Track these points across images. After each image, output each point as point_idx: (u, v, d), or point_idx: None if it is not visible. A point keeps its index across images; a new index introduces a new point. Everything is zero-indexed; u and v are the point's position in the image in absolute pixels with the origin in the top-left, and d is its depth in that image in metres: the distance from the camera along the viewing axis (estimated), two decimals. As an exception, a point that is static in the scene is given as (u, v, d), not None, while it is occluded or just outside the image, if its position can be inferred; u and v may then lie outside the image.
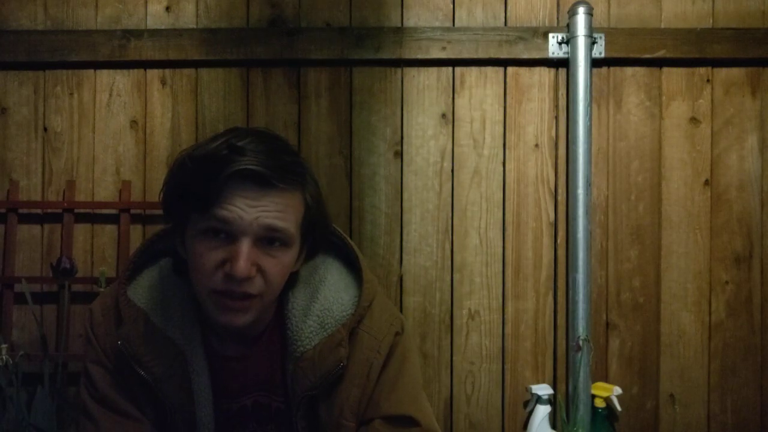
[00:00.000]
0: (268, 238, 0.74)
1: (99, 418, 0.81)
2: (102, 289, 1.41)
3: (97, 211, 1.54)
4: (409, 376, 0.84)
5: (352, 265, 0.86)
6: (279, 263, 0.75)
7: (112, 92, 1.55)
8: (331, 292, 0.82)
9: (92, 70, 1.55)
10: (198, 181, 0.73)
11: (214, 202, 0.71)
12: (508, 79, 1.55)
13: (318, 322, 0.80)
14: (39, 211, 1.54)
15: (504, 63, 1.54)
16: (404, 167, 1.54)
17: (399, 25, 1.55)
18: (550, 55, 1.51)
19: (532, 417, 1.47)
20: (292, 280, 0.83)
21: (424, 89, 1.55)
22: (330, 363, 0.78)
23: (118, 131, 1.55)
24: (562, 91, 1.54)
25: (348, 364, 0.80)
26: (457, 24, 1.55)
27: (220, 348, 0.84)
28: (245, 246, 0.71)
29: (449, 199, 1.54)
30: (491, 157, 1.54)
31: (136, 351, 0.78)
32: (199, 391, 0.81)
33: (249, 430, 0.85)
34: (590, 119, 1.49)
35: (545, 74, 1.55)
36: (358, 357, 0.81)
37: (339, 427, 0.80)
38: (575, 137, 1.48)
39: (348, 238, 0.88)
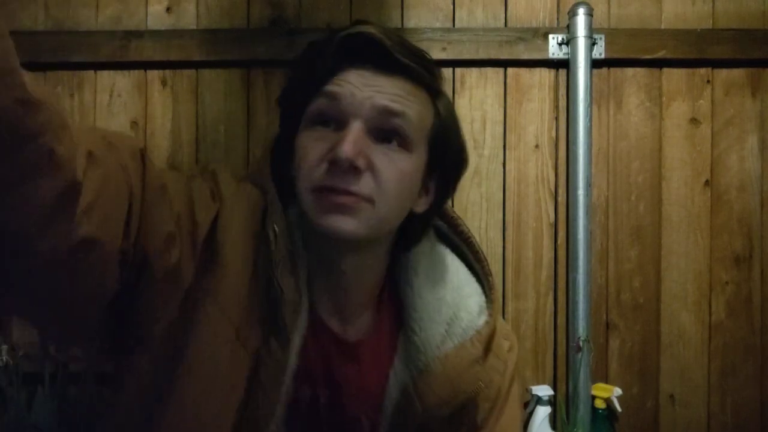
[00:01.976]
0: (385, 130, 0.62)
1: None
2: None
3: (98, 211, 1.54)
4: (515, 399, 0.75)
5: (472, 268, 0.75)
6: (395, 166, 0.62)
7: (113, 93, 1.55)
8: (458, 296, 0.70)
9: (93, 71, 1.55)
10: (313, 58, 0.62)
11: (326, 79, 0.61)
12: (508, 80, 1.55)
13: (445, 329, 0.67)
14: (40, 211, 1.54)
15: (504, 64, 1.54)
16: (404, 168, 1.54)
17: (399, 25, 1.55)
18: (551, 55, 1.51)
19: (532, 418, 1.47)
20: (411, 267, 0.70)
21: (424, 90, 1.55)
22: (467, 381, 0.66)
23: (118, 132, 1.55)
24: (563, 91, 1.54)
25: (482, 387, 0.68)
26: (457, 25, 1.55)
27: (327, 318, 0.69)
28: (355, 127, 0.60)
29: (449, 200, 1.54)
30: (491, 157, 1.55)
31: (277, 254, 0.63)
32: (291, 350, 0.64)
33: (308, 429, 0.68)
34: (590, 120, 1.49)
35: (545, 75, 1.55)
36: (487, 378, 0.69)
37: None
38: (575, 138, 1.48)
39: (473, 236, 0.76)
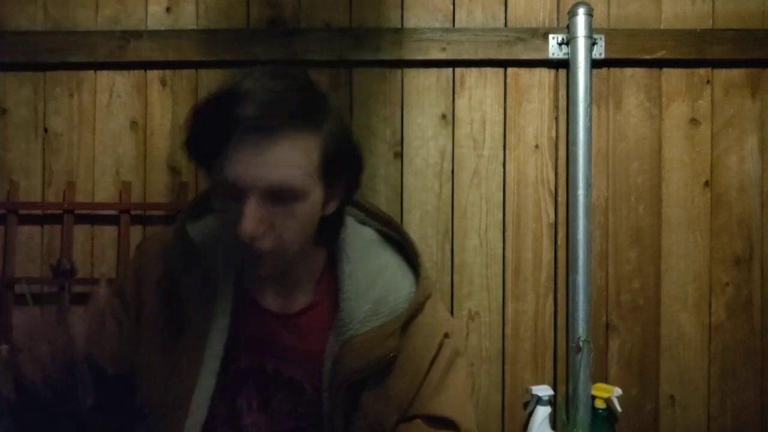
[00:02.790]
0: (276, 194, 0.70)
1: (118, 314, 0.85)
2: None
3: (97, 212, 1.54)
4: (456, 379, 0.83)
5: (410, 262, 0.86)
6: (294, 218, 0.72)
7: (112, 93, 1.55)
8: (390, 283, 0.81)
9: (92, 71, 1.55)
10: (205, 130, 0.71)
11: (220, 153, 0.69)
12: (508, 80, 1.55)
13: (372, 310, 0.79)
14: (39, 212, 1.54)
15: (504, 64, 1.54)
16: (404, 168, 1.54)
17: (399, 26, 1.55)
18: (550, 55, 1.51)
19: (532, 418, 1.47)
20: (347, 258, 0.82)
21: (423, 90, 1.55)
22: (379, 351, 0.77)
23: (117, 132, 1.55)
24: (562, 92, 1.54)
25: (398, 357, 0.79)
26: (456, 25, 1.55)
27: (261, 299, 0.84)
28: (250, 206, 0.69)
29: (449, 200, 1.54)
30: (491, 157, 1.54)
31: (178, 276, 0.81)
32: (214, 332, 0.80)
33: (256, 396, 0.82)
34: (590, 120, 1.49)
35: (545, 75, 1.55)
36: (409, 352, 0.80)
37: (379, 417, 0.79)
38: (575, 138, 1.48)
39: (408, 235, 0.87)
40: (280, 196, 0.70)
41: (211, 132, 0.69)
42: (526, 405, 1.52)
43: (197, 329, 0.80)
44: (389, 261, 0.84)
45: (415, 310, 0.80)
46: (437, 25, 1.55)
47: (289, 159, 0.69)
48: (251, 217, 0.69)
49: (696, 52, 1.51)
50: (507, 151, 1.54)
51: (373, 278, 0.81)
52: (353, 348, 0.77)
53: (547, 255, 1.54)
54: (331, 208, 0.80)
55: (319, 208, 0.76)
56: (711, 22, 1.55)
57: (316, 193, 0.73)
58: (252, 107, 0.66)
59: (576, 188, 1.48)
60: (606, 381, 1.51)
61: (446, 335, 0.83)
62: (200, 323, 0.80)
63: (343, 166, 0.76)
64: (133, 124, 1.55)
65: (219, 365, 0.80)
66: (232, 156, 0.68)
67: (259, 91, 0.68)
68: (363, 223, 0.90)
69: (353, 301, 0.79)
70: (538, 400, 1.46)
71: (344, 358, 0.77)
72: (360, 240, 0.85)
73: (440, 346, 0.82)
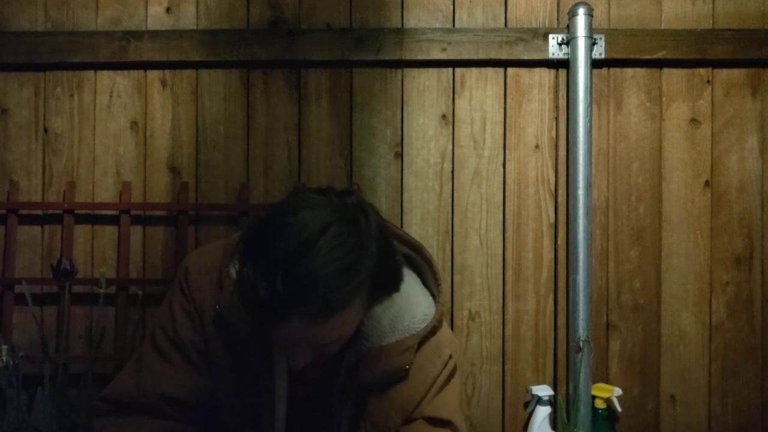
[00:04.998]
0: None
1: (170, 357, 0.86)
2: (102, 290, 1.41)
3: (98, 212, 1.54)
4: (453, 389, 0.92)
5: (427, 284, 0.91)
6: (338, 341, 0.77)
7: (113, 93, 1.55)
8: (407, 303, 0.86)
9: (92, 72, 1.55)
10: (253, 319, 0.76)
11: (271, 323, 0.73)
12: (508, 80, 1.55)
13: (389, 326, 0.84)
14: (39, 212, 1.54)
15: (504, 64, 1.54)
16: (404, 168, 1.54)
17: (399, 26, 1.55)
18: (551, 56, 1.51)
19: (532, 418, 1.47)
20: None
21: (424, 90, 1.55)
22: (396, 364, 0.83)
23: (118, 132, 1.55)
24: (563, 92, 1.54)
25: (410, 369, 0.85)
26: (457, 25, 1.55)
27: None
28: (300, 351, 0.74)
29: (449, 200, 1.54)
30: (491, 158, 1.54)
31: (229, 318, 0.82)
32: (279, 373, 0.84)
33: (307, 419, 0.89)
34: (590, 120, 1.49)
35: (545, 75, 1.55)
36: (419, 364, 0.86)
37: (387, 420, 0.85)
38: (575, 138, 1.48)
39: (434, 262, 0.93)
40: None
41: (259, 323, 0.74)
42: (526, 405, 1.52)
43: (258, 369, 0.84)
44: (409, 282, 0.87)
45: (430, 332, 0.87)
46: (438, 25, 1.55)
47: (339, 327, 0.74)
48: (302, 360, 0.75)
49: (696, 52, 1.51)
50: (507, 151, 1.54)
51: (393, 298, 0.84)
52: (370, 359, 0.83)
53: (547, 255, 1.54)
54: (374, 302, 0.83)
55: (361, 314, 0.79)
56: (711, 22, 1.55)
57: (361, 317, 0.79)
58: (298, 312, 0.69)
59: (576, 188, 1.48)
60: (606, 381, 1.51)
61: (450, 356, 0.90)
62: (260, 364, 0.84)
63: (386, 286, 0.79)
64: (134, 124, 1.55)
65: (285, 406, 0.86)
66: (280, 330, 0.71)
67: (299, 293, 0.68)
68: None
69: (374, 318, 0.83)
70: (539, 400, 1.46)
71: (360, 368, 0.83)
72: None
73: (445, 364, 0.89)
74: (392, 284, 0.81)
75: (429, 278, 0.92)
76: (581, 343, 1.44)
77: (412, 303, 0.87)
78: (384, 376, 0.83)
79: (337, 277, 0.69)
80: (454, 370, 0.92)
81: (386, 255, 0.77)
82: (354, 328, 0.79)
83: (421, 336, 0.85)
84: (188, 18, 1.56)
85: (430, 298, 0.90)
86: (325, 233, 0.69)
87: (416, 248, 0.93)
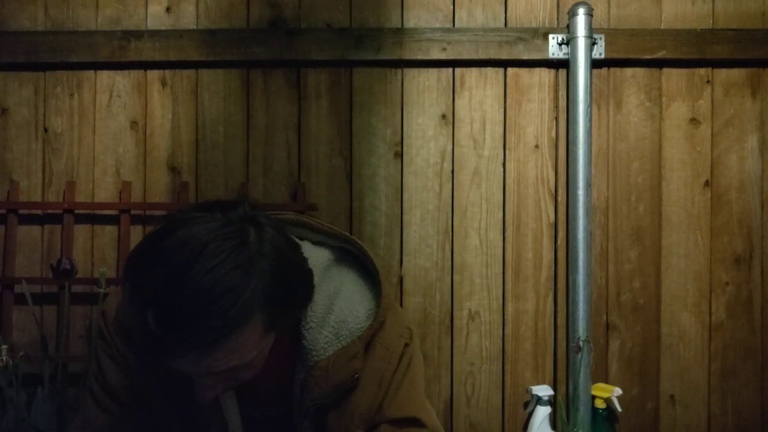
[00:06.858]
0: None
1: (107, 406, 0.83)
2: (102, 290, 1.41)
3: (98, 211, 1.54)
4: (413, 379, 0.85)
5: (369, 275, 0.86)
6: (247, 366, 0.72)
7: (113, 93, 1.55)
8: (346, 304, 0.81)
9: (92, 71, 1.55)
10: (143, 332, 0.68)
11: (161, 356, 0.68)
12: (508, 80, 1.55)
13: (333, 333, 0.80)
14: (39, 211, 1.54)
15: (504, 64, 1.54)
16: (404, 168, 1.54)
17: (399, 26, 1.55)
18: (550, 55, 1.51)
19: (532, 418, 1.47)
20: None
21: (424, 90, 1.55)
22: (344, 374, 0.79)
23: (118, 132, 1.55)
24: (562, 92, 1.54)
25: (361, 374, 0.80)
26: (457, 25, 1.55)
27: None
28: (204, 383, 0.71)
29: (449, 200, 1.54)
30: (491, 157, 1.54)
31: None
32: (227, 399, 0.81)
33: None
34: (590, 120, 1.49)
35: (545, 75, 1.55)
36: (370, 367, 0.81)
37: None
38: (575, 138, 1.48)
39: (368, 252, 0.86)
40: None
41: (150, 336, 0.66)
42: (526, 405, 1.52)
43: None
44: (344, 281, 0.84)
45: (377, 328, 0.82)
46: (437, 25, 1.55)
47: (235, 350, 0.67)
48: (207, 391, 0.71)
49: (696, 52, 1.51)
50: (507, 151, 1.54)
51: (330, 302, 0.81)
52: (318, 373, 0.79)
53: (547, 255, 1.54)
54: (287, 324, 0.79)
55: (273, 338, 0.74)
56: (711, 22, 1.55)
57: (268, 340, 0.72)
58: (183, 348, 0.64)
59: (576, 188, 1.48)
60: (606, 381, 1.51)
61: (406, 345, 0.85)
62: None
63: (286, 307, 0.73)
64: (134, 124, 1.55)
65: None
66: (173, 366, 0.67)
67: (183, 329, 0.63)
68: (318, 243, 0.88)
69: (314, 329, 0.80)
70: (538, 400, 1.46)
71: (310, 384, 0.79)
72: (315, 266, 0.83)
73: (400, 357, 0.84)
74: (300, 298, 0.76)
75: (371, 273, 0.86)
76: (581, 343, 1.44)
77: (354, 302, 0.82)
78: (334, 389, 0.79)
79: (215, 303, 0.63)
80: (413, 357, 0.86)
81: (286, 268, 0.71)
82: (263, 349, 0.72)
83: (367, 337, 0.81)
84: (188, 17, 1.56)
85: (371, 292, 0.84)
86: (201, 255, 0.63)
87: (350, 241, 0.88)
